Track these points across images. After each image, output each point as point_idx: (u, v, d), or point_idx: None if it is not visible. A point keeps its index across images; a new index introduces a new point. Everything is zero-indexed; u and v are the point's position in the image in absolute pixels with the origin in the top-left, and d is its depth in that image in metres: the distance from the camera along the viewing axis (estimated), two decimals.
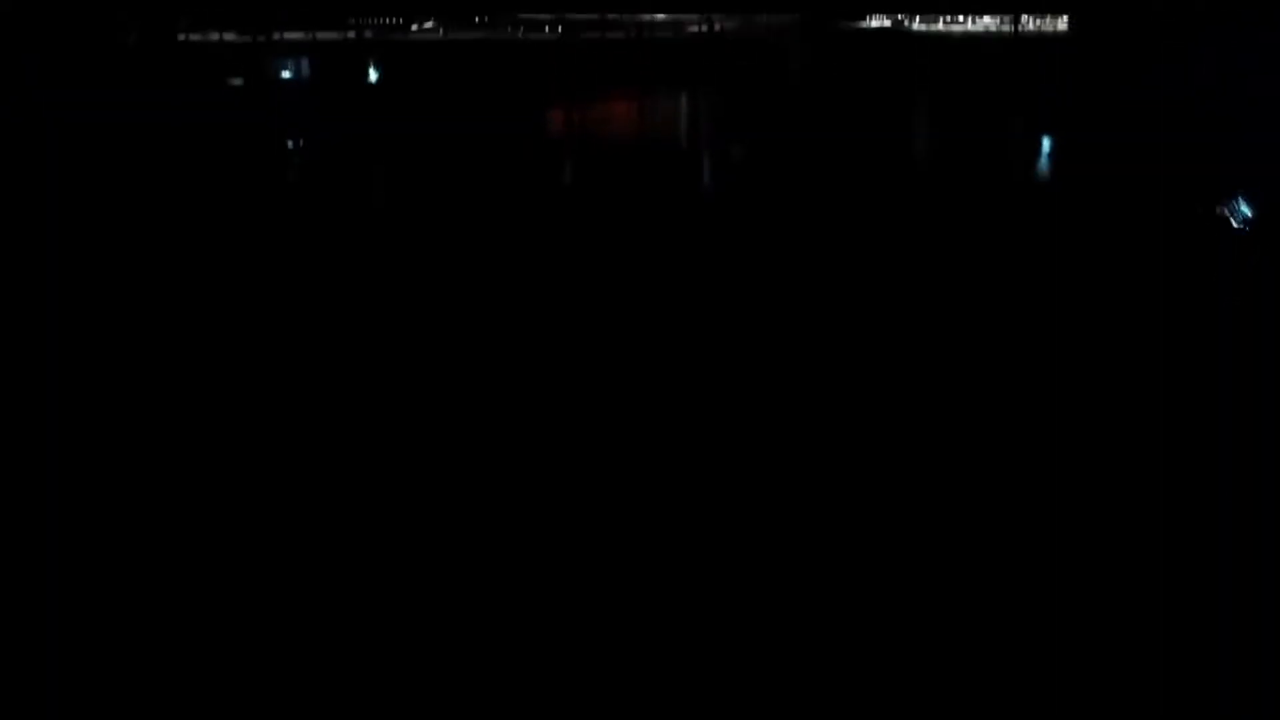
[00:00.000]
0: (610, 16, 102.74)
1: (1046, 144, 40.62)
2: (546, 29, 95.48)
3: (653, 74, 64.05)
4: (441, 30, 71.94)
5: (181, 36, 70.83)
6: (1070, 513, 11.76)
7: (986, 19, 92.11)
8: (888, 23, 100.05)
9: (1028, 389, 15.78)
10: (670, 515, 11.87)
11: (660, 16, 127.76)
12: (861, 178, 34.86)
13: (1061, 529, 11.35)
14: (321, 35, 71.86)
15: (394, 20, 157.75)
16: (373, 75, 67.79)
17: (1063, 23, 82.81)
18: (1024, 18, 79.14)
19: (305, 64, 68.48)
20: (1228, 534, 10.93)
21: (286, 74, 67.54)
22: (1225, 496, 11.76)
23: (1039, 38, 72.28)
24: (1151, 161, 32.66)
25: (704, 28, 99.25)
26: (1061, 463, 13.08)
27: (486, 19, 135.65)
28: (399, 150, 40.91)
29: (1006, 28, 79.04)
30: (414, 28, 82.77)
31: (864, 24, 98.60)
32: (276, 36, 70.82)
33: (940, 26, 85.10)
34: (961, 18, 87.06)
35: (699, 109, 64.34)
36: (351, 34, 71.90)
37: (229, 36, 72.67)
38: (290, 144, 39.46)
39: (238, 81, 65.04)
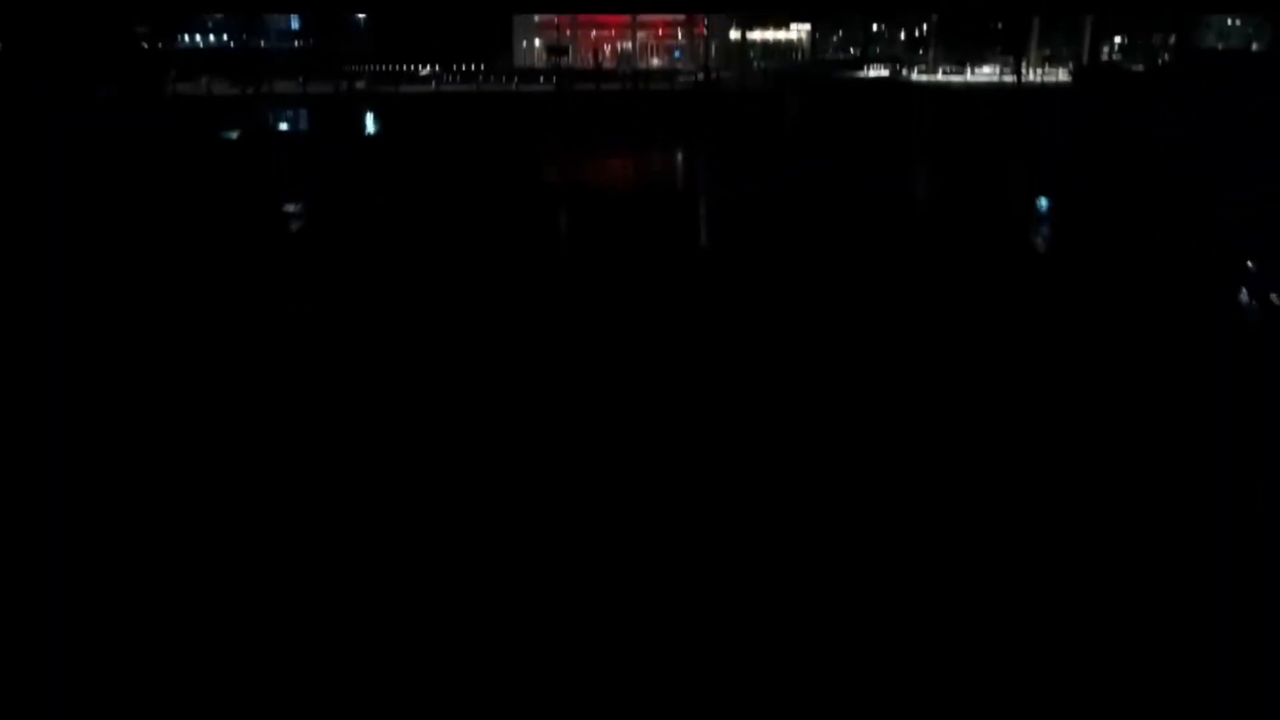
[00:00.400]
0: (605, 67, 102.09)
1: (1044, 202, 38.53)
2: (541, 79, 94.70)
3: (650, 126, 62.46)
4: (434, 83, 70.57)
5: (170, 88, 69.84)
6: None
7: (987, 69, 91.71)
8: (885, 73, 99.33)
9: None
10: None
11: (656, 62, 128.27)
12: (855, 229, 34.45)
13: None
14: (314, 88, 70.63)
15: (391, 69, 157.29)
16: (370, 128, 66.00)
17: (1064, 74, 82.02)
18: (1027, 70, 78.28)
19: (303, 116, 67.10)
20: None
21: (285, 126, 66.15)
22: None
23: (1041, 89, 70.98)
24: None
25: (701, 76, 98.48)
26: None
27: (482, 70, 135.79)
28: (397, 205, 38.44)
29: (1009, 78, 78.08)
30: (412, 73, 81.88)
31: (862, 74, 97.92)
32: (265, 88, 69.61)
33: (940, 77, 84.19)
34: (964, 68, 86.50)
35: (696, 161, 62.57)
36: (344, 85, 70.60)
37: (219, 88, 71.54)
38: (291, 208, 36.48)
39: (233, 134, 63.64)
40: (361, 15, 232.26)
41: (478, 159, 50.47)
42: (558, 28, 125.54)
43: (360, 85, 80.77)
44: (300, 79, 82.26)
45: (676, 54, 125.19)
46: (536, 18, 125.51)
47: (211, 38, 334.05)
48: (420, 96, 69.64)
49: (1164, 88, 63.71)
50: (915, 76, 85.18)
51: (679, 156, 57.22)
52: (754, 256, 30.14)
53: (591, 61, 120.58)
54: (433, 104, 66.99)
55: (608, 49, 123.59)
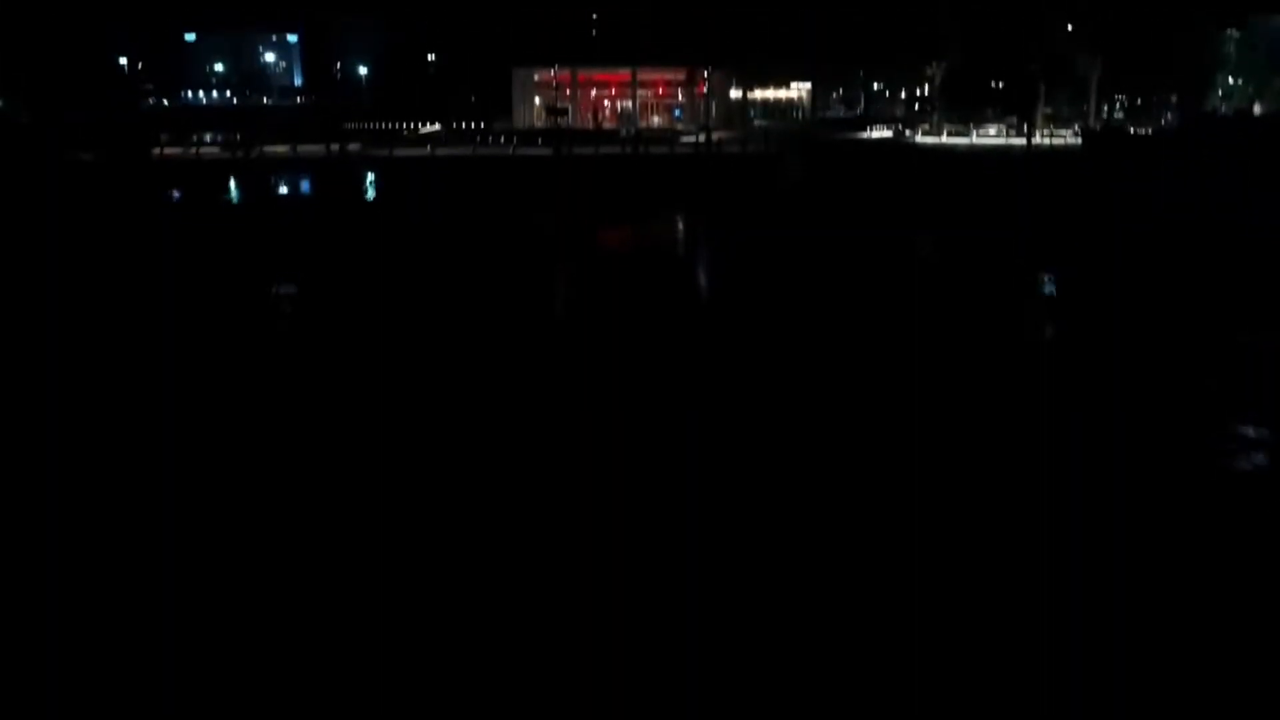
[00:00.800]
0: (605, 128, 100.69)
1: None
2: (540, 140, 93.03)
3: (648, 192, 60.26)
4: (430, 146, 68.59)
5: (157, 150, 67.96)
6: None
7: (991, 130, 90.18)
8: (888, 134, 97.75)
9: None
10: None
11: (656, 120, 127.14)
12: (856, 297, 33.46)
13: None
14: (305, 150, 68.72)
15: (390, 126, 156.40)
16: (362, 193, 63.48)
17: (1071, 135, 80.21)
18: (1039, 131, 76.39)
19: (295, 180, 64.87)
20: None
21: (278, 190, 63.99)
22: None
23: (1051, 152, 68.96)
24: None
25: (701, 137, 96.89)
26: None
27: (481, 127, 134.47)
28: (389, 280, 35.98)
29: (1018, 140, 76.19)
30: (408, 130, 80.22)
31: (865, 135, 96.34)
32: (256, 152, 67.67)
33: (945, 139, 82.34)
34: (968, 129, 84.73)
35: (694, 234, 60.12)
36: (336, 148, 68.64)
37: (209, 149, 69.78)
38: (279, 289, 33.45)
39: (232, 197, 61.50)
40: (364, 72, 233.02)
41: (472, 230, 48.28)
42: (557, 86, 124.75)
43: (354, 148, 79.08)
44: (293, 143, 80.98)
45: (676, 112, 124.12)
46: (536, 76, 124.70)
47: (215, 94, 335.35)
48: (414, 160, 67.51)
49: (1174, 153, 61.76)
50: (920, 138, 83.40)
51: (677, 226, 54.63)
52: (749, 337, 28.44)
53: (591, 121, 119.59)
54: (427, 168, 64.98)
55: (607, 108, 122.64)
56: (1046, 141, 74.01)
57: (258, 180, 60.71)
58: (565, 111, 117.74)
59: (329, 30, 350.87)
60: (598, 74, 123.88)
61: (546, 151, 71.51)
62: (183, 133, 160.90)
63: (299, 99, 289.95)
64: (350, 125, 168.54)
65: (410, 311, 30.53)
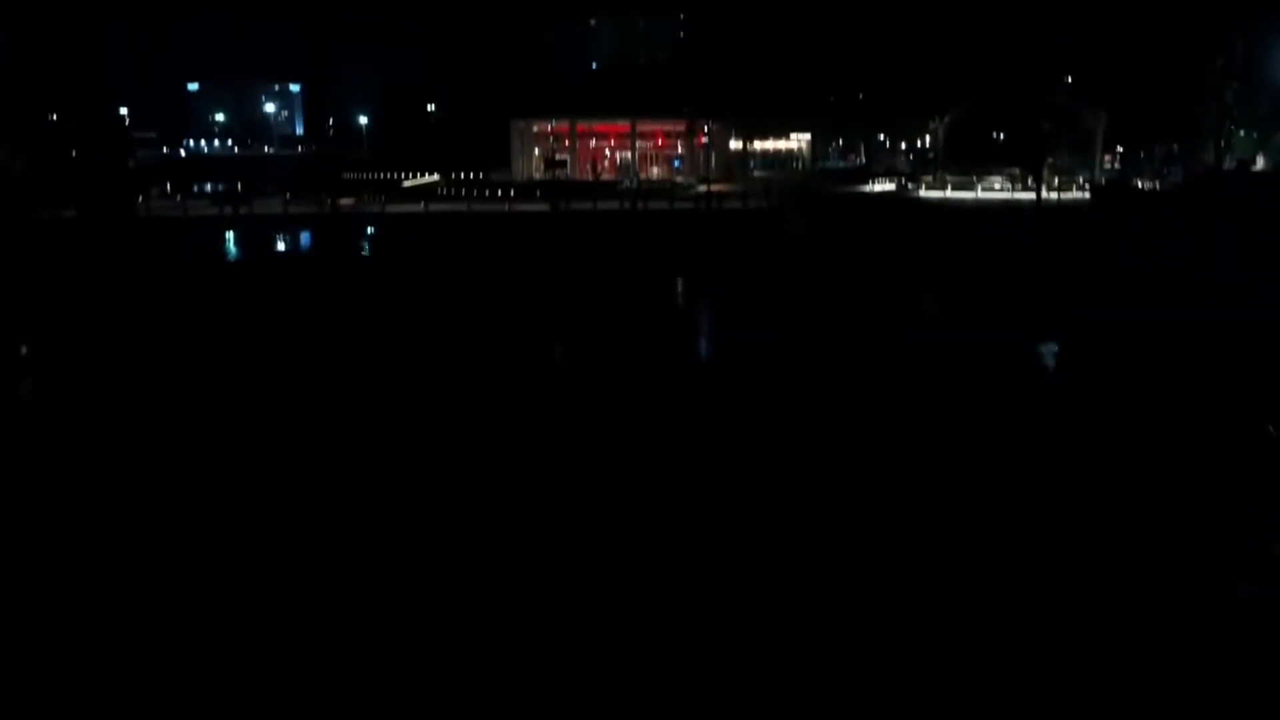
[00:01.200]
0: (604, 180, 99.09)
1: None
2: (539, 193, 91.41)
3: (646, 250, 58.11)
4: (424, 202, 66.73)
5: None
6: None
7: (996, 183, 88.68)
8: (891, 187, 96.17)
9: None
10: None
11: (656, 171, 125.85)
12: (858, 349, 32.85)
13: None
14: (296, 207, 66.84)
15: (389, 176, 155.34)
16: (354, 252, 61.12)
17: (1076, 188, 78.51)
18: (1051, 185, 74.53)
19: (286, 237, 62.83)
20: None
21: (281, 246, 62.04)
22: None
23: (1059, 208, 67.16)
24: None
25: (702, 189, 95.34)
26: None
27: (480, 177, 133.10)
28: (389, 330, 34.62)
29: (1023, 195, 74.50)
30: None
31: (867, 188, 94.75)
32: (247, 209, 65.80)
33: (950, 193, 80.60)
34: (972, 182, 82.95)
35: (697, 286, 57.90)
36: (328, 204, 66.74)
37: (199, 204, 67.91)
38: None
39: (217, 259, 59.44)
40: (364, 121, 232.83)
41: (463, 293, 46.02)
42: (556, 137, 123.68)
43: (347, 202, 77.30)
44: (286, 195, 79.21)
45: (676, 163, 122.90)
46: (535, 127, 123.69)
47: (218, 142, 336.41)
48: (407, 217, 65.60)
49: (1182, 212, 59.84)
50: (924, 192, 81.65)
51: (674, 290, 51.95)
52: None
53: (590, 172, 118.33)
54: (421, 226, 63.09)
55: (606, 159, 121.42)
56: (1054, 196, 72.17)
57: (245, 241, 58.58)
58: (564, 164, 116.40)
59: (331, 80, 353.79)
60: (597, 125, 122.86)
61: (543, 207, 69.71)
62: (181, 182, 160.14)
63: (300, 148, 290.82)
64: (349, 175, 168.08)
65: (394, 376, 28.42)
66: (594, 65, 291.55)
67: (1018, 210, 64.86)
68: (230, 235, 58.74)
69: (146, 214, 64.27)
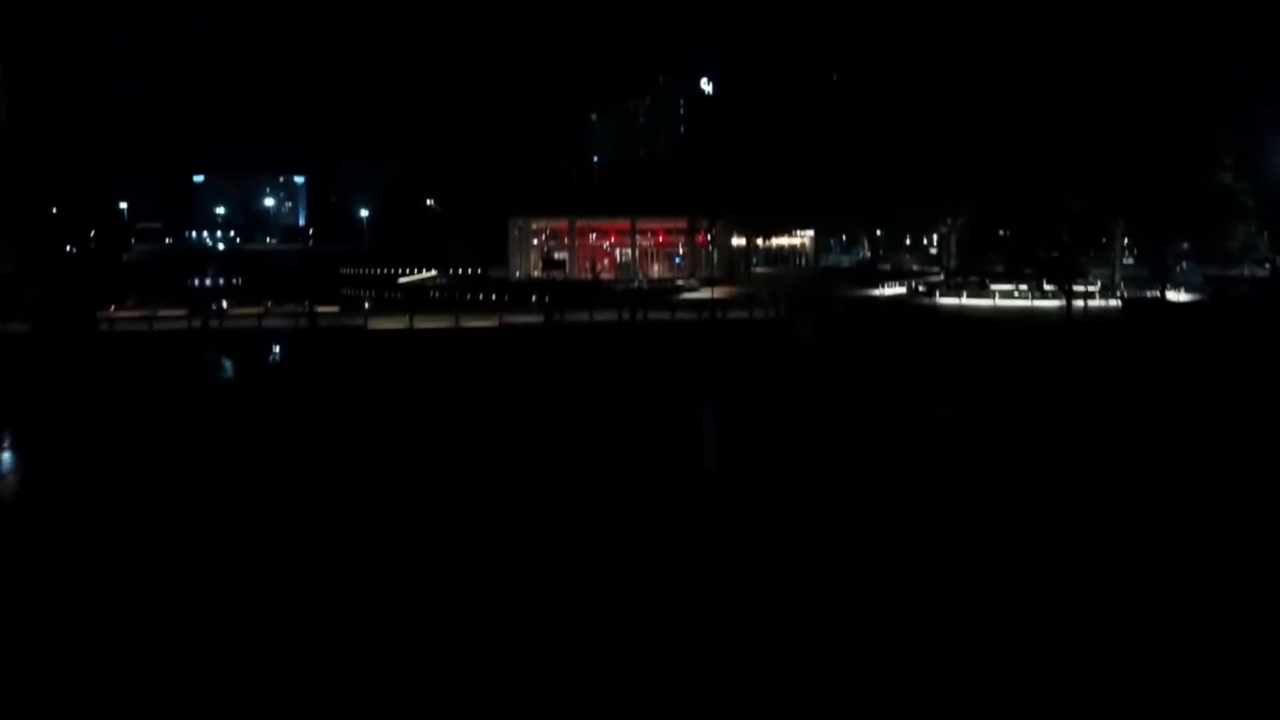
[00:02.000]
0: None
1: None
2: (534, 297, 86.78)
3: (644, 368, 52.91)
4: (410, 318, 61.59)
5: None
6: None
7: (1008, 286, 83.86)
8: (902, 291, 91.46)
9: None
10: None
11: (657, 269, 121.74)
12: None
13: None
14: (272, 321, 61.79)
15: (386, 272, 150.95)
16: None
17: (1101, 296, 73.44)
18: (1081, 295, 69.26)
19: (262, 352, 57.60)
20: None
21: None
22: None
23: (1089, 320, 61.97)
24: None
25: (703, 292, 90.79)
26: None
27: (477, 272, 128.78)
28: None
29: (1042, 302, 69.53)
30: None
31: (876, 291, 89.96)
32: (219, 322, 60.68)
33: (966, 300, 75.63)
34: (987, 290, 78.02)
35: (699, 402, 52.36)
36: (305, 318, 61.60)
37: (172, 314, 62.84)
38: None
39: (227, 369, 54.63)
40: (365, 214, 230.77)
41: (452, 423, 40.81)
42: (554, 235, 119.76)
43: (331, 310, 72.35)
44: (268, 304, 74.34)
45: (677, 259, 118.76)
46: (534, 224, 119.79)
47: (220, 234, 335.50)
48: (389, 336, 60.43)
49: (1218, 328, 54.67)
50: (940, 299, 76.58)
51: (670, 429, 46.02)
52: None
53: (589, 271, 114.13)
54: (400, 350, 57.91)
55: (606, 259, 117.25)
56: (1080, 304, 66.97)
57: (208, 365, 52.93)
58: (562, 264, 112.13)
59: (333, 173, 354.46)
60: (596, 223, 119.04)
61: (538, 319, 64.64)
62: (171, 279, 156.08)
63: (301, 239, 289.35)
64: (346, 270, 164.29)
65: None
66: (594, 159, 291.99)
67: (1046, 325, 59.55)
68: (181, 361, 52.86)
69: (109, 328, 58.97)
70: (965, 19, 79.10)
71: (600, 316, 64.87)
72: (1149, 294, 74.41)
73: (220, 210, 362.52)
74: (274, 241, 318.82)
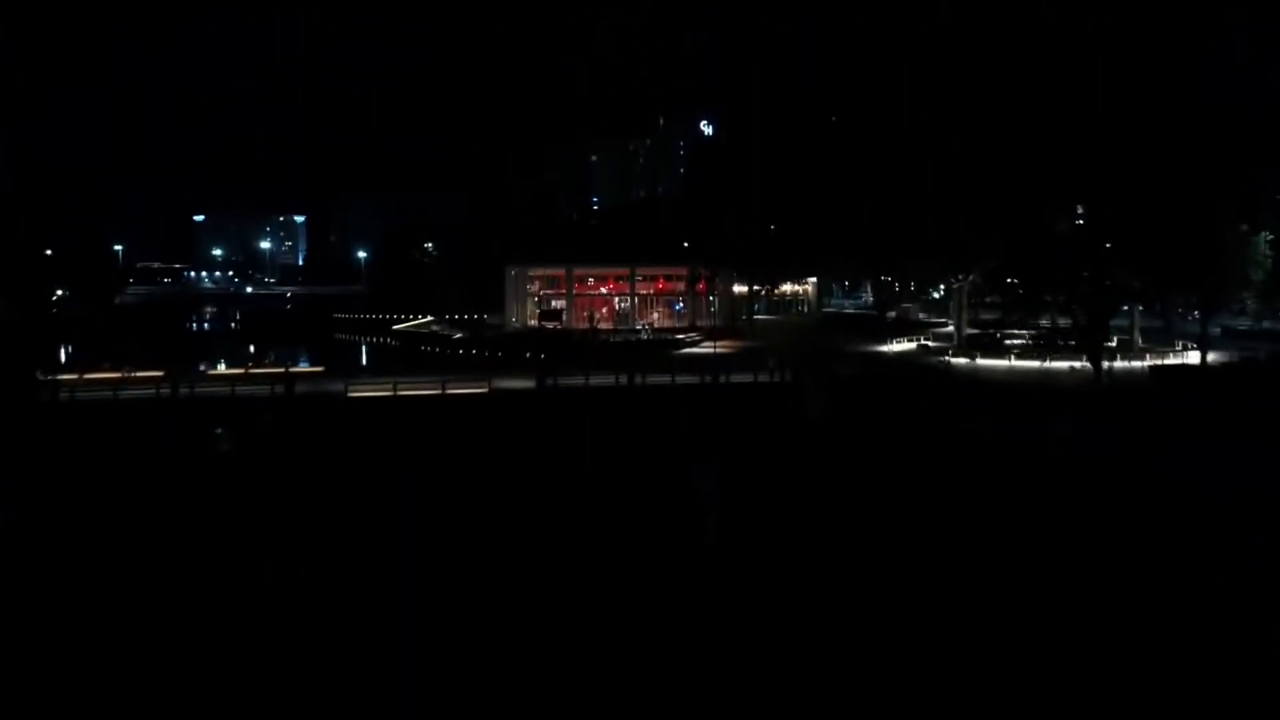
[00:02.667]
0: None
1: None
2: (528, 353, 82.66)
3: (640, 441, 48.96)
4: (394, 385, 57.30)
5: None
6: None
7: (1029, 342, 79.48)
8: (912, 346, 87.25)
9: None
10: None
11: (656, 317, 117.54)
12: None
13: None
14: (244, 388, 57.57)
15: (382, 317, 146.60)
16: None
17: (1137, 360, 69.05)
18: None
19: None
20: None
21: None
22: None
23: (1118, 384, 57.67)
24: None
25: (711, 349, 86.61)
26: None
27: (474, 317, 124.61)
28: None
29: (1059, 364, 65.29)
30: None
31: (884, 347, 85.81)
32: (188, 388, 56.39)
33: (981, 361, 71.43)
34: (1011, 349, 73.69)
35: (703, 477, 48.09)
36: (280, 386, 57.31)
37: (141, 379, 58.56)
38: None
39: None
40: (362, 255, 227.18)
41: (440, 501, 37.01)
42: (552, 281, 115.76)
43: (316, 370, 68.20)
44: (248, 365, 70.21)
45: (677, 306, 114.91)
46: (531, 272, 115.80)
47: (218, 273, 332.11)
48: (370, 405, 56.14)
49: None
50: (952, 358, 72.36)
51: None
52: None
53: (588, 320, 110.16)
54: (386, 411, 53.79)
55: (604, 308, 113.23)
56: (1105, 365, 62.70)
57: (166, 442, 48.37)
58: (559, 314, 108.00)
59: (333, 214, 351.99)
60: (594, 270, 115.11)
61: (529, 383, 60.35)
62: (158, 325, 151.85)
63: (298, 280, 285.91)
64: (341, 315, 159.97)
65: None
66: (594, 203, 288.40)
67: (1075, 393, 55.18)
68: (147, 436, 48.41)
69: (70, 395, 54.54)
70: (983, 69, 75.72)
71: (597, 380, 60.61)
72: (1176, 352, 70.38)
73: (220, 251, 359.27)
74: (273, 280, 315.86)
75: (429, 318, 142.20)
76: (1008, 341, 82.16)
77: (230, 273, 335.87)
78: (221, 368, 69.54)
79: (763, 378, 62.71)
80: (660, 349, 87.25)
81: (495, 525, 37.00)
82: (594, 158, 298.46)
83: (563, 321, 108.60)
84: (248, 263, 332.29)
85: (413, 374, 66.77)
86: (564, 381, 60.49)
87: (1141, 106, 68.65)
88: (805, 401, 59.36)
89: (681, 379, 61.95)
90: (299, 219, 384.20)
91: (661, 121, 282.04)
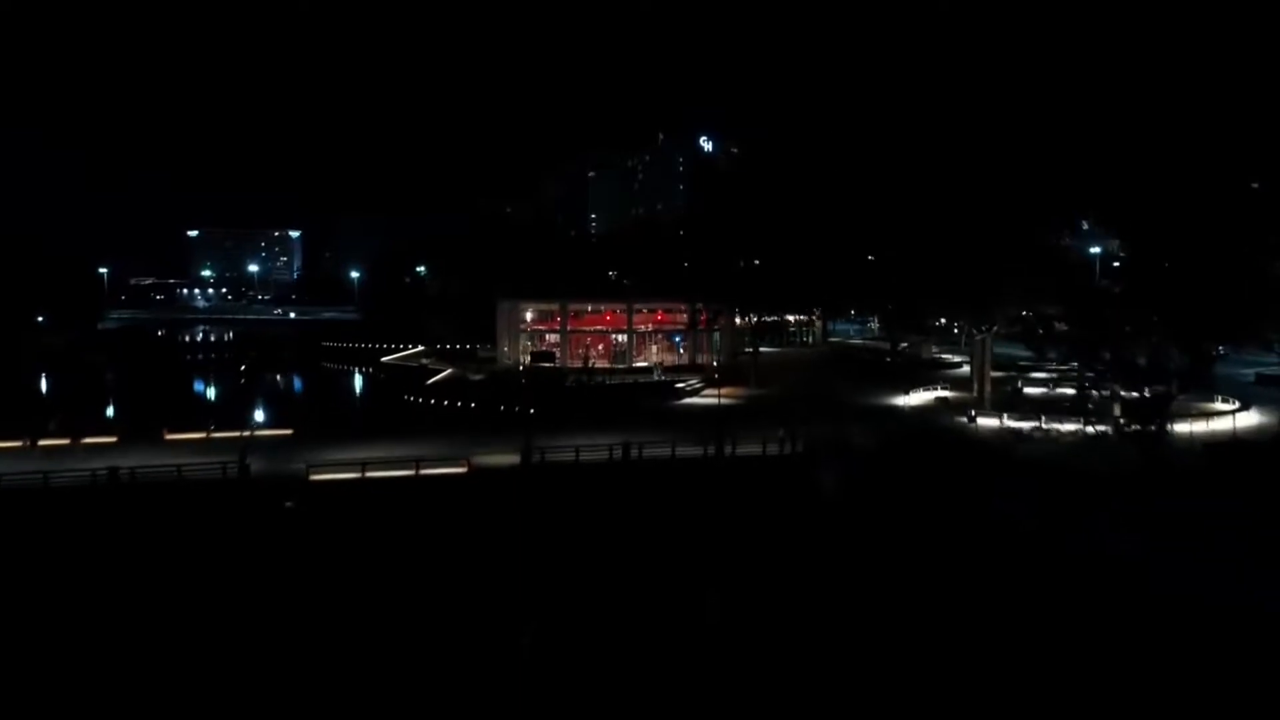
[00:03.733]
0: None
1: None
2: (517, 408, 76.07)
3: (637, 545, 42.66)
4: (363, 469, 50.64)
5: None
6: None
7: (1055, 386, 72.59)
8: (930, 398, 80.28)
9: None
10: None
11: (654, 351, 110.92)
12: None
13: None
14: (193, 470, 50.84)
15: (372, 346, 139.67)
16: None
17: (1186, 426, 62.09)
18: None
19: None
20: None
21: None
22: None
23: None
24: None
25: (712, 397, 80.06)
26: None
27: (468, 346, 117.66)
28: None
29: (1086, 427, 58.86)
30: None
31: (900, 400, 78.83)
32: (126, 472, 49.75)
33: (1009, 421, 64.79)
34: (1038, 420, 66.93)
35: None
36: (236, 464, 50.55)
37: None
38: None
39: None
40: (355, 275, 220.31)
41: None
42: (545, 314, 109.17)
43: (277, 440, 61.47)
44: (210, 427, 63.57)
45: (677, 338, 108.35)
46: (523, 306, 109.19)
47: (211, 290, 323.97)
48: (341, 485, 49.53)
49: None
50: (978, 419, 65.59)
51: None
52: None
53: (581, 359, 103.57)
54: (358, 499, 47.26)
55: (601, 345, 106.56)
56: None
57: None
58: (551, 356, 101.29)
59: (327, 232, 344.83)
60: (590, 305, 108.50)
61: (513, 458, 53.62)
62: (135, 357, 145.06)
63: (291, 302, 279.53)
64: (329, 344, 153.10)
65: None
66: (592, 217, 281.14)
67: (1133, 483, 48.30)
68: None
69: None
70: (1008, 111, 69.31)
71: (588, 454, 54.06)
72: (1219, 412, 63.66)
73: (213, 268, 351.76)
74: (267, 298, 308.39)
75: (419, 347, 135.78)
76: (1028, 390, 75.62)
77: (224, 290, 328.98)
78: (180, 434, 62.66)
79: (772, 448, 56.09)
80: (659, 395, 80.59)
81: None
82: (592, 174, 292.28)
83: (556, 360, 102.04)
84: (241, 279, 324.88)
85: (389, 439, 60.28)
86: (552, 456, 53.91)
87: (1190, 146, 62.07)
88: (820, 481, 52.85)
89: (682, 451, 55.34)
90: (294, 234, 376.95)
91: (661, 137, 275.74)
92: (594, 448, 54.62)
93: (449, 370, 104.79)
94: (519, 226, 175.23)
